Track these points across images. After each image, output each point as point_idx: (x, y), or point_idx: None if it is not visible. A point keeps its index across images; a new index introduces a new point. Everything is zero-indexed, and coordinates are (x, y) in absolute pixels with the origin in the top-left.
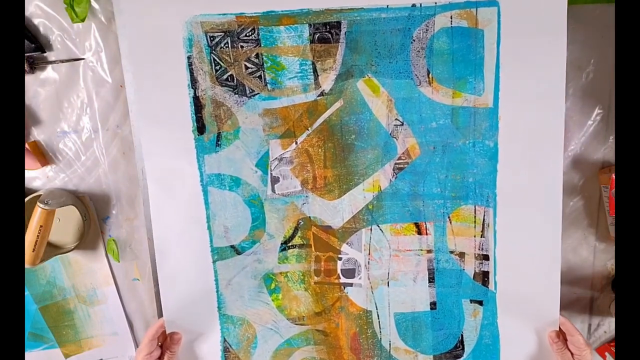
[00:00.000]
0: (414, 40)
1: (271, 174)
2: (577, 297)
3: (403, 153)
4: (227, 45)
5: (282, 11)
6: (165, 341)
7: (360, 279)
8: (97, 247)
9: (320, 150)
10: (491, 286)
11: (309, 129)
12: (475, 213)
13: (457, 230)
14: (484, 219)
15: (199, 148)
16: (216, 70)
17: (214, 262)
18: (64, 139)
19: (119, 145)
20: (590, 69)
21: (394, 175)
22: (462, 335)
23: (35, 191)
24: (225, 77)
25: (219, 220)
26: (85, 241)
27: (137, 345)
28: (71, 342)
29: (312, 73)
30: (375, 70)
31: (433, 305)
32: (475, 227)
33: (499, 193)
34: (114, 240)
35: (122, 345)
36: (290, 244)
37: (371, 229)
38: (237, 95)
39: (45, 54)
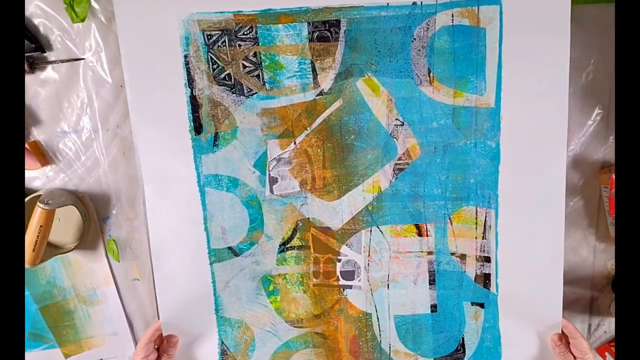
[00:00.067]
0: (415, 39)
1: (269, 174)
2: (577, 297)
3: (403, 153)
4: (224, 43)
5: (280, 9)
6: (162, 344)
7: (359, 281)
8: (97, 247)
9: (319, 150)
10: (493, 288)
11: (308, 129)
12: (476, 214)
13: (458, 231)
14: (485, 221)
15: (196, 148)
16: (213, 69)
17: (211, 263)
18: (64, 139)
19: (119, 145)
20: (590, 69)
21: (394, 176)
22: (463, 338)
23: (35, 191)
24: (222, 76)
25: (216, 222)
26: (85, 241)
27: (137, 345)
28: (71, 342)
29: (311, 72)
30: (375, 69)
31: (434, 307)
32: (476, 228)
33: (501, 194)
34: (114, 240)
35: (122, 345)
36: (288, 245)
37: (371, 231)
38: (234, 95)
39: (45, 54)
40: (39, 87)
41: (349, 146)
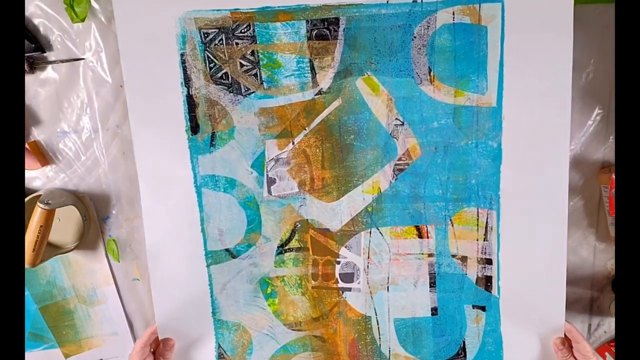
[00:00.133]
0: (415, 37)
1: (267, 175)
2: (577, 297)
3: (403, 154)
4: (221, 42)
5: (278, 7)
6: (158, 348)
7: (359, 283)
8: (97, 247)
9: (318, 150)
10: (494, 291)
11: (307, 128)
12: (477, 216)
13: (459, 233)
14: (486, 222)
15: (192, 148)
16: (210, 68)
17: (208, 266)
18: (64, 139)
19: (119, 145)
20: (590, 69)
21: (394, 177)
22: (464, 342)
23: (35, 191)
24: (219, 75)
25: (213, 223)
26: (85, 241)
27: (133, 349)
28: (71, 342)
29: (309, 71)
30: (374, 68)
31: (434, 310)
32: (477, 230)
33: (503, 195)
34: (114, 240)
35: (122, 345)
36: (287, 247)
37: (370, 232)
38: (232, 94)
39: (45, 54)
40: (39, 87)
41: (348, 146)
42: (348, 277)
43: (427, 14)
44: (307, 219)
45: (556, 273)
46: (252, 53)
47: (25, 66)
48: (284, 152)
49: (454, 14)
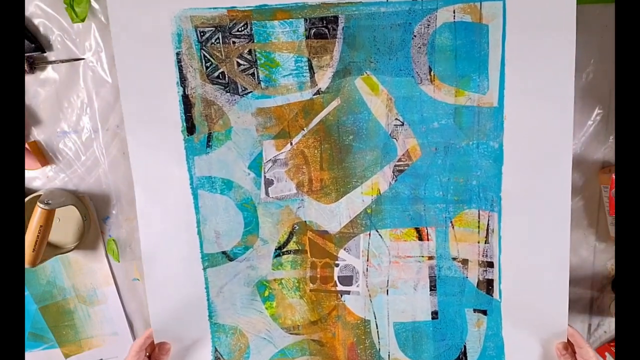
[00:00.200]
0: (415, 36)
1: (265, 176)
2: (577, 297)
3: (403, 154)
4: (218, 40)
5: (276, 5)
6: (153, 352)
7: (358, 286)
8: (97, 247)
9: (316, 151)
10: (496, 295)
11: (305, 129)
12: (479, 218)
13: (460, 235)
14: (488, 224)
15: (188, 149)
16: (206, 68)
17: (204, 268)
18: (64, 139)
19: (119, 145)
20: (590, 69)
21: (393, 178)
22: (464, 347)
23: (35, 191)
24: (216, 74)
25: (209, 225)
26: (85, 241)
27: (128, 353)
28: (71, 342)
29: (307, 70)
30: (374, 67)
31: (434, 314)
32: (479, 232)
33: (504, 197)
34: (114, 240)
35: (122, 345)
36: (284, 249)
37: (370, 234)
38: (228, 94)
39: (45, 54)
40: (39, 87)
41: (347, 147)
42: (347, 280)
43: (428, 12)
44: (305, 221)
45: (559, 276)
46: (250, 52)
47: (25, 66)
48: (281, 153)
49: (454, 13)
